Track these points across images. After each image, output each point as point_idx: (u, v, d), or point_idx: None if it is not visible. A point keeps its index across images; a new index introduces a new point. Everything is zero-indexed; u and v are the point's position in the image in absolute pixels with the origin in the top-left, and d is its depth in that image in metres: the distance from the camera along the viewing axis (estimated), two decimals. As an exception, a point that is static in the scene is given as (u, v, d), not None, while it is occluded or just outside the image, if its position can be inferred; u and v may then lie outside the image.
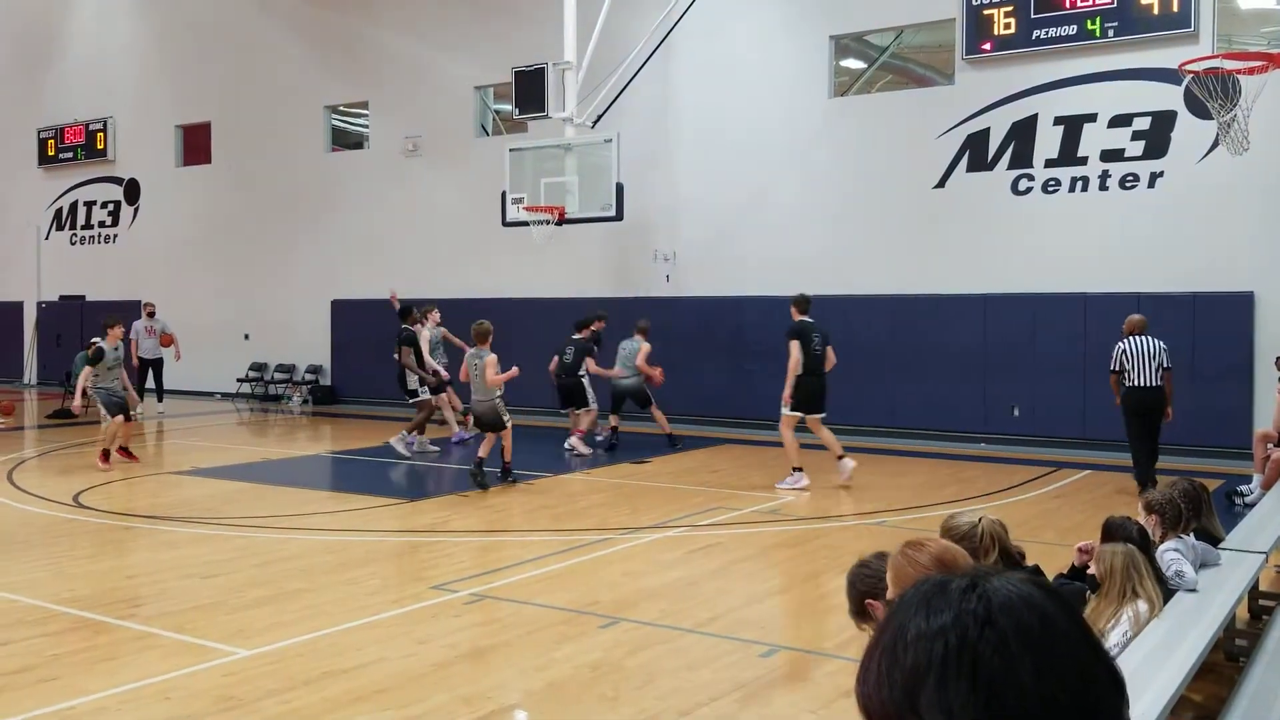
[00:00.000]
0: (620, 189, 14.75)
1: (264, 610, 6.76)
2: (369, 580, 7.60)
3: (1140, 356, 10.57)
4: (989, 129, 14.29)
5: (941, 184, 14.63)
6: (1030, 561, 4.42)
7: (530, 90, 15.12)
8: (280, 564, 8.02)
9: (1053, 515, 9.76)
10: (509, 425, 11.32)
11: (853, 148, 15.29)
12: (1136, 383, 10.59)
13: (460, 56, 18.73)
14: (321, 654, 5.93)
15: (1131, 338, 10.72)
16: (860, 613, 3.35)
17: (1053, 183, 13.91)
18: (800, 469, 11.16)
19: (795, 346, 10.98)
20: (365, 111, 20.49)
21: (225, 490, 11.19)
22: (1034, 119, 14.00)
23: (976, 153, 14.40)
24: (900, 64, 16.15)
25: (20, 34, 25.49)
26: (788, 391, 11.10)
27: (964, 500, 10.29)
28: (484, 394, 11.21)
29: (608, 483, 11.81)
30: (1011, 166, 14.16)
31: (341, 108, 20.94)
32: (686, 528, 9.24)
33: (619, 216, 14.96)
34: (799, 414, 11.19)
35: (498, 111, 19.01)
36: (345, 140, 21.11)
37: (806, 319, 11.26)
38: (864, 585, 3.34)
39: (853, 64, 16.29)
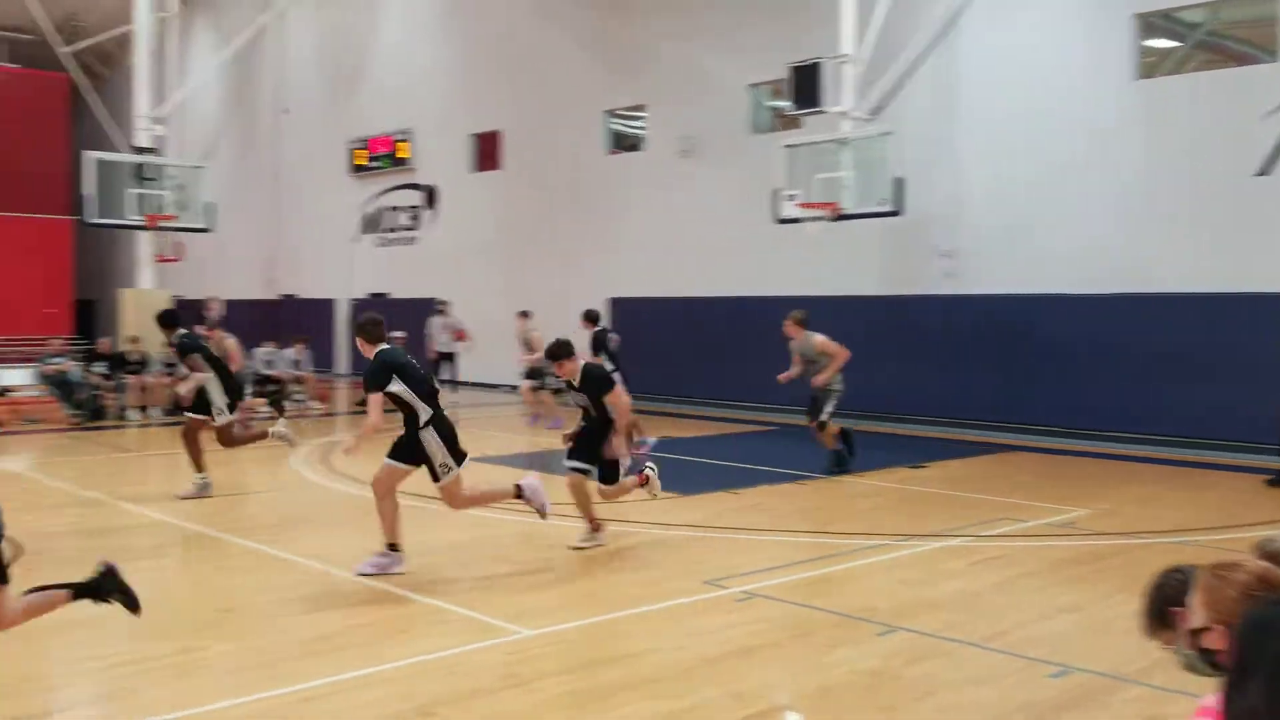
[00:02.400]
0: (899, 183, 14.32)
1: (547, 594, 7.00)
2: (643, 571, 7.71)
3: None
4: (1322, 108, 12.82)
5: (1265, 172, 13.25)
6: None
7: (806, 85, 14.95)
8: (562, 550, 8.29)
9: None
10: None
11: (1161, 133, 14.12)
12: None
13: (734, 56, 18.80)
14: (598, 640, 6.06)
15: None
16: (1159, 618, 3.08)
17: (1401, 167, 12.29)
18: (394, 548, 7.38)
19: (376, 401, 7.20)
20: (642, 114, 20.97)
21: (513, 477, 11.69)
22: (1378, 95, 12.44)
23: (1307, 135, 12.95)
24: (1215, 41, 14.77)
25: (335, 57, 27.89)
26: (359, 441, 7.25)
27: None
28: None
29: (882, 486, 11.47)
30: (1350, 150, 12.64)
31: (620, 111, 21.51)
32: (969, 538, 8.82)
33: (898, 212, 14.52)
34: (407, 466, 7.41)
35: (772, 108, 18.94)
36: (624, 142, 21.68)
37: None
38: (1172, 590, 3.06)
39: (1160, 43, 15.04)
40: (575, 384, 8.22)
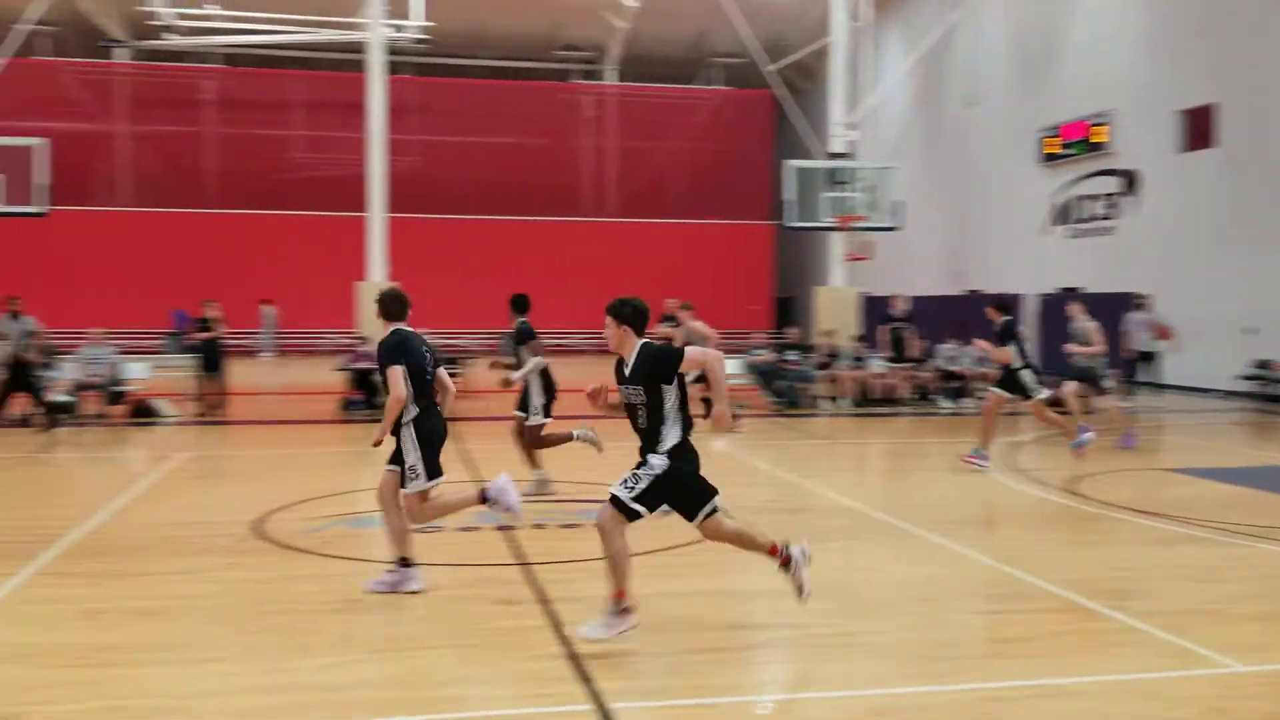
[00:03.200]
0: None
1: (1261, 626, 6.05)
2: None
3: None
4: None
5: None
6: None
7: None
8: (1283, 580, 7.10)
9: None
10: None
11: None
12: None
13: None
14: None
15: None
16: None
17: None
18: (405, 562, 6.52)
19: (398, 374, 6.40)
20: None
21: (1222, 494, 10.37)
22: None
23: None
24: None
25: (1025, 45, 27.18)
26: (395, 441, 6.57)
27: None
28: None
29: None
30: None
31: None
32: None
33: None
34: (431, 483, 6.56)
35: None
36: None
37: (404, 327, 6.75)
38: None
39: None
40: (626, 368, 5.63)
